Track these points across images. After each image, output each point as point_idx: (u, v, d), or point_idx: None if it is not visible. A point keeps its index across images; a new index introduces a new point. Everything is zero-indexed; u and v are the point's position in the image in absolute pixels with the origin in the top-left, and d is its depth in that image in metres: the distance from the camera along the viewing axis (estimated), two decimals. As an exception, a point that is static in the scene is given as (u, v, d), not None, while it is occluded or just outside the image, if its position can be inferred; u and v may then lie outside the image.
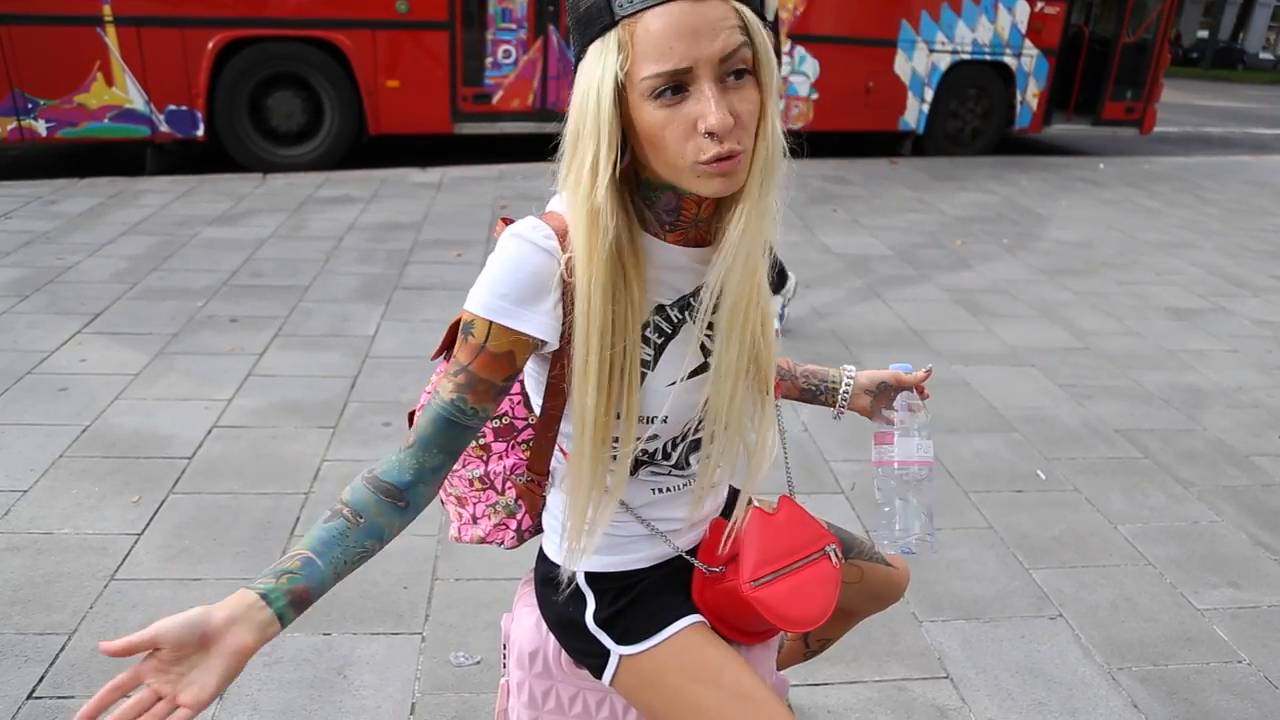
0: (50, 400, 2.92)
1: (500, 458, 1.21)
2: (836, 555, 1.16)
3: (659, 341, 1.03)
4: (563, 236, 0.97)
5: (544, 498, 1.20)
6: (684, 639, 1.11)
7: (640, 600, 1.14)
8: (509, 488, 1.21)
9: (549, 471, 1.17)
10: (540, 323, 0.97)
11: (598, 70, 0.88)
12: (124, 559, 2.18)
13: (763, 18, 0.95)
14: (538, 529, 1.25)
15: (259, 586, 0.88)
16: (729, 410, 1.04)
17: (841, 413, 1.32)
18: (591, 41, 0.90)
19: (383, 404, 3.03)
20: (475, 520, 1.24)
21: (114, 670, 1.83)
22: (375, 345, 3.49)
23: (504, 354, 0.96)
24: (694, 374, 1.05)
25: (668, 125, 0.88)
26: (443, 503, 1.27)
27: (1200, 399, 3.48)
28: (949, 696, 1.92)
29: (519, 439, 1.21)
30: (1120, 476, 2.86)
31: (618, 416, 1.00)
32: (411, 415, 1.24)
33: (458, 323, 1.15)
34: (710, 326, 1.03)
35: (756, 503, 1.19)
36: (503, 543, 1.24)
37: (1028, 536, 2.51)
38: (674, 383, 1.04)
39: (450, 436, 0.98)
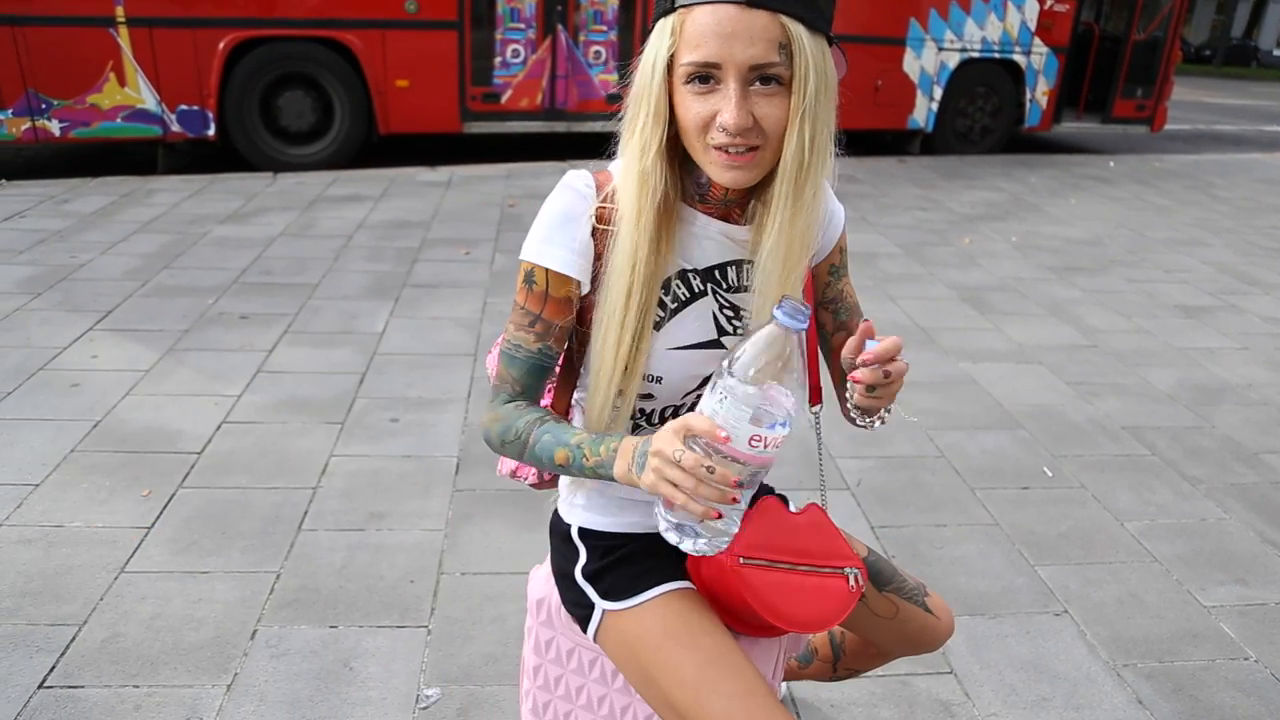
0: (62, 396, 2.94)
1: None
2: (856, 580, 1.12)
3: (673, 306, 1.08)
4: (602, 188, 1.06)
5: None
6: (668, 601, 1.13)
7: (628, 560, 1.17)
8: None
9: (568, 414, 1.22)
10: (577, 264, 1.05)
11: (655, 47, 0.98)
12: (134, 552, 2.20)
13: (827, 35, 0.98)
14: (555, 477, 1.29)
15: (615, 439, 1.01)
16: None
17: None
18: (658, 20, 0.98)
19: (390, 400, 3.04)
20: None
21: (122, 662, 1.85)
22: (384, 342, 3.51)
23: (563, 299, 1.07)
24: (700, 346, 1.09)
25: (693, 110, 0.97)
26: None
27: (1209, 396, 3.47)
28: (953, 692, 1.92)
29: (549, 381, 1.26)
30: (1127, 474, 2.85)
31: (625, 369, 1.06)
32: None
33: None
34: (731, 307, 1.10)
35: (793, 507, 1.21)
36: (527, 479, 1.31)
37: (1034, 533, 2.50)
38: (675, 348, 1.08)
39: (544, 380, 1.12)
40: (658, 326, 1.07)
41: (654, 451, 0.91)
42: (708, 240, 1.08)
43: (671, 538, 0.97)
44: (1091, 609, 2.21)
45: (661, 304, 1.07)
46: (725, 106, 0.94)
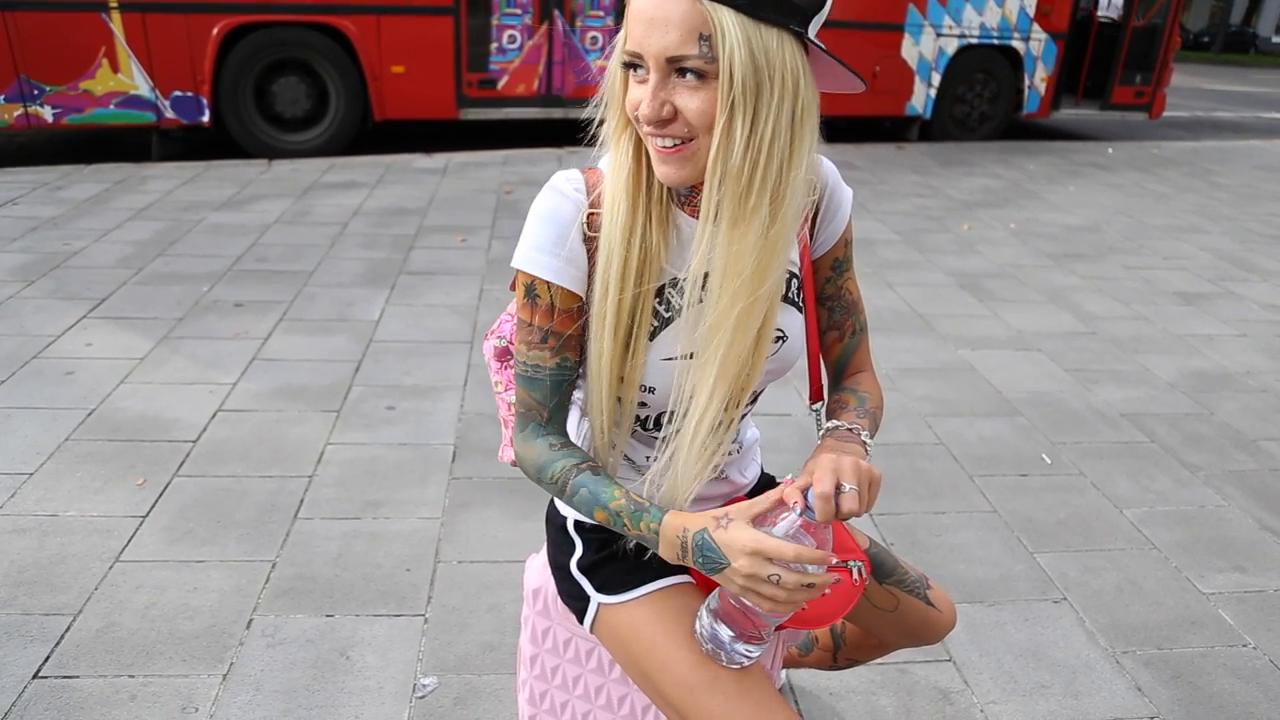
0: (56, 384, 2.93)
1: None
2: (860, 573, 1.11)
3: (667, 315, 1.05)
4: (593, 188, 1.03)
5: None
6: (663, 597, 1.12)
7: (625, 555, 1.16)
8: None
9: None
10: (572, 275, 1.02)
11: (619, 37, 0.96)
12: (129, 541, 2.19)
13: (792, 28, 0.89)
14: None
15: (653, 518, 1.00)
16: (695, 434, 1.02)
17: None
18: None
19: (386, 388, 3.03)
20: (511, 443, 1.31)
21: (117, 652, 1.84)
22: (379, 330, 3.49)
23: (569, 310, 1.04)
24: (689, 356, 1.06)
25: (629, 97, 0.95)
26: (504, 424, 1.35)
27: (1208, 383, 3.46)
28: (952, 679, 1.92)
29: None
30: (1126, 461, 2.85)
31: (619, 377, 1.04)
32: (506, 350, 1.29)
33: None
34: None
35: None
36: None
37: (1032, 520, 2.50)
38: (669, 359, 1.05)
39: (568, 391, 1.09)
40: (652, 336, 1.04)
41: (747, 574, 0.93)
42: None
43: (710, 653, 1.06)
44: (1090, 596, 2.20)
45: (655, 313, 1.04)
46: (642, 96, 0.91)
